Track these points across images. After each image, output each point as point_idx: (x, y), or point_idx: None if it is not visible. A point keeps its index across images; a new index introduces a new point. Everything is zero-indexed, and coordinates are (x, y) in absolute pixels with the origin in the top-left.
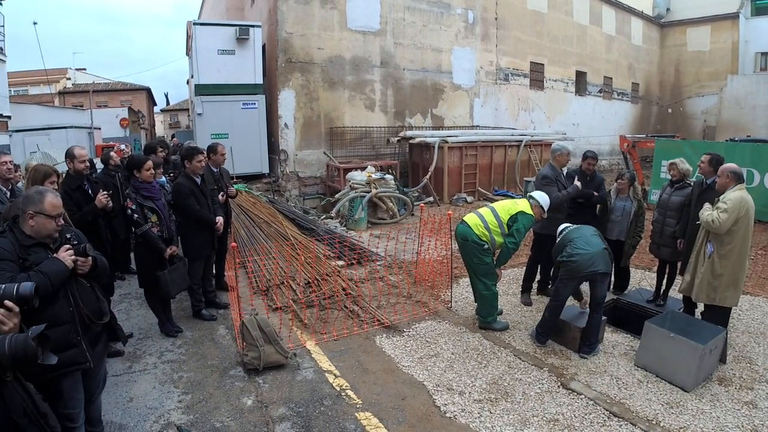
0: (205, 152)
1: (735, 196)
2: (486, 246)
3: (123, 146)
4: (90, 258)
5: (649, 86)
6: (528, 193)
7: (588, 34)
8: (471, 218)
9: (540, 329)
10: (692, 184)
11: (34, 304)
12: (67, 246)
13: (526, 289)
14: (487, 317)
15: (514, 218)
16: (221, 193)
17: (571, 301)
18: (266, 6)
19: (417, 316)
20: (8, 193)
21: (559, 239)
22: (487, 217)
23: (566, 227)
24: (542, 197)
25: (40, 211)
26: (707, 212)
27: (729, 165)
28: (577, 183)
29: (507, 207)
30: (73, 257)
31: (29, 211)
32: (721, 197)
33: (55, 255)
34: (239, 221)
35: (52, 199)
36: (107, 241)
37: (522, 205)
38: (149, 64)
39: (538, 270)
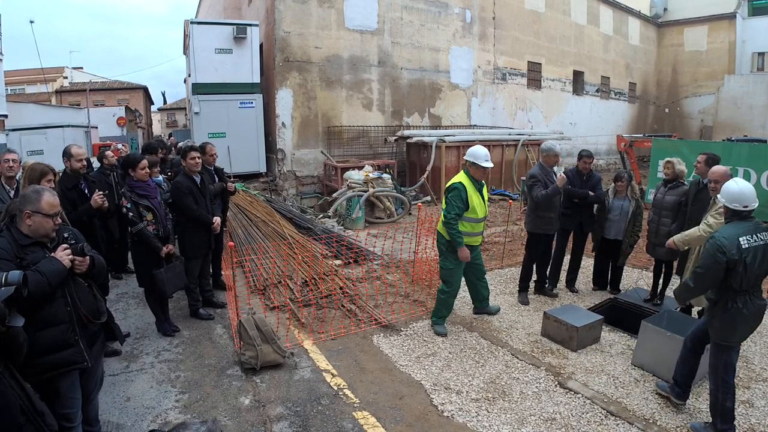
0: (199, 150)
1: None
2: (443, 244)
3: (120, 146)
4: (88, 257)
5: (647, 86)
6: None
7: (585, 33)
8: (439, 224)
9: (723, 427)
10: (687, 183)
11: (23, 293)
12: (65, 245)
13: (523, 288)
14: (433, 315)
15: (446, 194)
16: (229, 181)
17: (569, 300)
18: (264, 5)
19: (414, 316)
20: (12, 192)
21: (730, 243)
22: (442, 216)
23: (748, 211)
24: (472, 153)
25: (38, 211)
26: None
27: (723, 169)
28: (557, 182)
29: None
30: (70, 257)
31: (26, 210)
32: (717, 203)
33: (52, 254)
34: (237, 220)
35: (50, 198)
36: (102, 241)
37: (455, 177)
38: (145, 63)
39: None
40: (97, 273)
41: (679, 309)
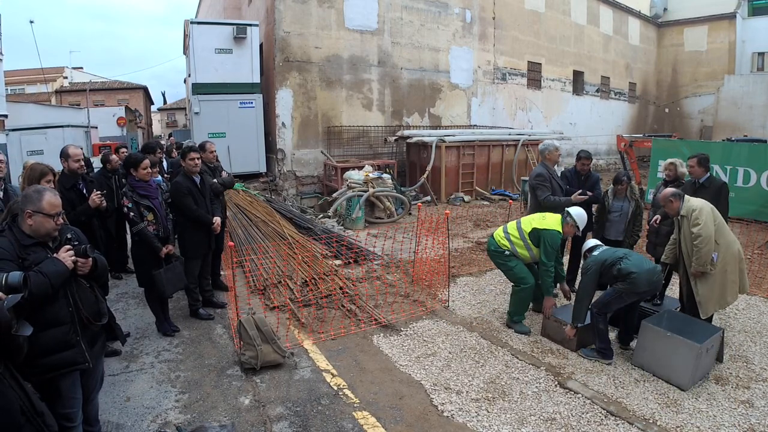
0: (198, 150)
1: (697, 206)
2: (507, 252)
3: (124, 149)
4: (90, 259)
5: (647, 86)
6: (566, 209)
7: (585, 33)
8: (497, 231)
9: (601, 345)
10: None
11: (24, 295)
12: (68, 246)
13: None
14: (512, 315)
15: (536, 234)
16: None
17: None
18: (263, 5)
19: (414, 316)
20: (1, 193)
21: (599, 258)
22: (510, 227)
23: (597, 245)
24: (579, 216)
25: (39, 210)
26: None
27: (665, 192)
28: (576, 197)
29: (532, 219)
30: (73, 258)
31: (28, 210)
32: (686, 216)
33: (55, 255)
34: (237, 221)
35: (51, 198)
36: (101, 241)
37: (550, 221)
38: (144, 63)
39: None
40: (99, 274)
41: (679, 309)
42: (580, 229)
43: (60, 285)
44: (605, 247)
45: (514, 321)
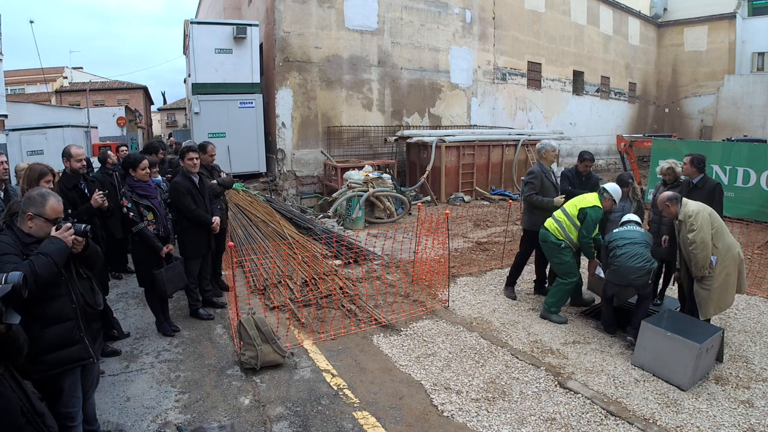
0: (197, 150)
1: (693, 210)
2: (563, 245)
3: (124, 147)
4: (84, 240)
5: (647, 86)
6: (602, 186)
7: (585, 33)
8: (548, 222)
9: (605, 321)
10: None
11: (23, 294)
12: (68, 224)
13: (510, 282)
14: (550, 306)
15: (584, 212)
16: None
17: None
18: (264, 5)
19: (414, 316)
20: (2, 194)
21: (612, 236)
22: (559, 216)
23: (629, 221)
24: (615, 191)
25: (41, 214)
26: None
27: (661, 196)
28: (557, 200)
29: (575, 202)
30: (73, 236)
31: (29, 212)
32: (683, 221)
33: (53, 234)
34: (237, 220)
35: (54, 204)
36: (102, 241)
37: (591, 199)
38: (142, 63)
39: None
40: (91, 256)
41: (679, 309)
42: (617, 202)
43: (63, 262)
44: (631, 228)
45: (551, 311)
